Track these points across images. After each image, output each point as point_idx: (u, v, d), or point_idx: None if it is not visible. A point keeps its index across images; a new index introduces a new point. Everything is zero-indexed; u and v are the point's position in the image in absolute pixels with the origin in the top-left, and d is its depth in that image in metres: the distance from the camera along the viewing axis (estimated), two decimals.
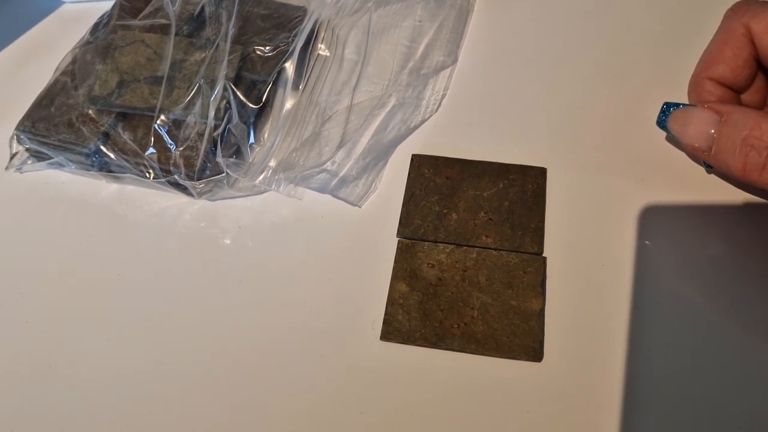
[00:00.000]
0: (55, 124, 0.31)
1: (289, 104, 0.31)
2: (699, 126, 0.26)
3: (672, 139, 0.31)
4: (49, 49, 0.38)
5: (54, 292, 0.30)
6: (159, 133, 0.30)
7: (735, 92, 0.29)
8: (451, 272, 0.28)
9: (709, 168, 0.30)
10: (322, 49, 0.32)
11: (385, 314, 0.27)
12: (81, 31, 0.36)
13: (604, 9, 0.37)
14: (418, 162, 0.31)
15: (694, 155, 0.30)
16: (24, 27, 0.40)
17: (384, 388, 0.26)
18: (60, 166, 0.32)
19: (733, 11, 0.28)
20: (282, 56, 0.31)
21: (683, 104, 0.28)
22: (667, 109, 0.28)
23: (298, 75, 0.31)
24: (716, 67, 0.28)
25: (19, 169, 0.33)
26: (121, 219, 0.31)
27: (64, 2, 0.41)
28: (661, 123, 0.29)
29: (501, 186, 0.30)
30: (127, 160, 0.30)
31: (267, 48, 0.31)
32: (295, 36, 0.31)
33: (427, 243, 0.29)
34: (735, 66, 0.28)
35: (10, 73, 0.38)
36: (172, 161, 0.30)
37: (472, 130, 0.33)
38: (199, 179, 0.30)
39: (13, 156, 0.33)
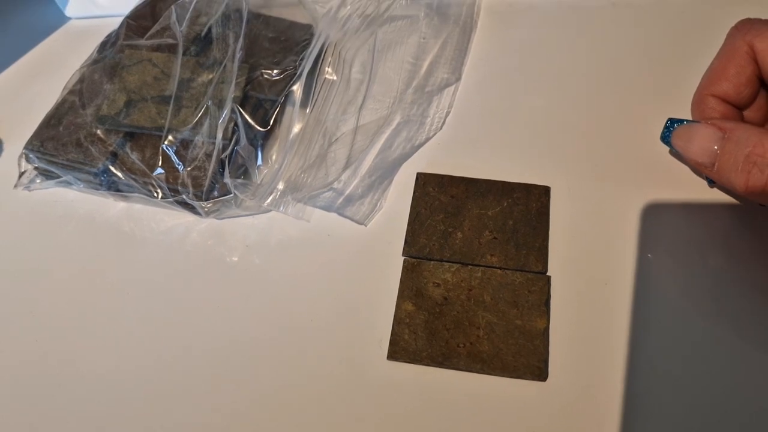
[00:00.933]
0: (64, 144, 0.31)
1: (296, 126, 0.31)
2: (702, 142, 0.27)
3: (676, 154, 0.31)
4: (56, 66, 0.38)
5: (62, 310, 0.30)
6: (167, 153, 0.30)
7: (738, 109, 0.29)
8: (456, 291, 0.28)
9: (712, 183, 0.30)
10: (329, 72, 0.33)
11: (392, 333, 0.28)
12: (88, 47, 0.36)
13: (606, 26, 0.37)
14: (423, 180, 0.32)
15: (698, 170, 0.30)
16: (30, 43, 0.40)
17: (391, 407, 0.26)
18: (68, 184, 0.32)
19: (736, 29, 0.28)
20: (289, 79, 0.32)
21: (687, 120, 0.28)
22: (671, 125, 0.29)
23: (306, 97, 0.32)
24: (719, 84, 0.28)
25: (27, 188, 0.33)
26: (129, 237, 0.32)
27: (71, 18, 0.41)
28: (665, 138, 0.29)
29: (505, 204, 0.31)
30: (135, 180, 0.31)
31: (275, 71, 0.32)
32: (302, 59, 0.32)
33: (432, 262, 0.29)
34: (738, 83, 0.28)
35: (17, 90, 0.38)
36: (179, 181, 0.30)
37: (476, 148, 0.33)
38: (206, 199, 0.30)
39: (21, 174, 0.33)
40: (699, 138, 0.27)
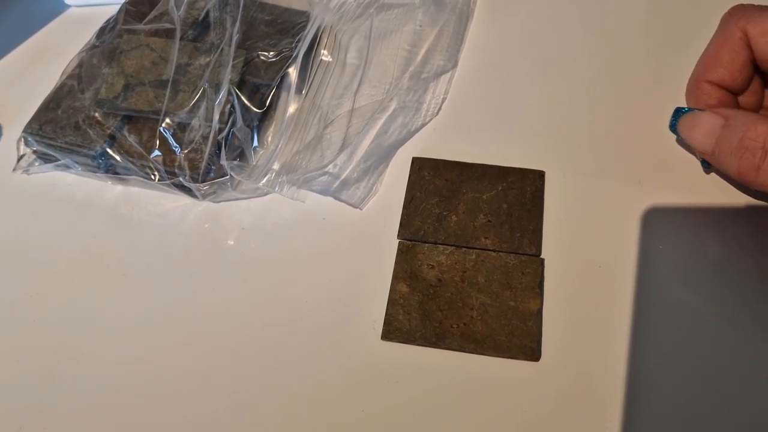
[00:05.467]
0: (62, 127, 0.32)
1: (292, 108, 0.31)
2: (705, 129, 0.27)
3: (684, 144, 0.31)
4: (55, 52, 0.38)
5: (60, 293, 0.30)
6: (164, 136, 0.31)
7: (732, 94, 0.29)
8: (450, 273, 0.29)
9: (707, 167, 0.30)
10: (324, 55, 0.33)
11: (386, 314, 0.28)
12: (87, 34, 0.36)
13: (602, 14, 0.37)
14: (419, 165, 0.32)
15: (703, 159, 0.30)
16: (30, 30, 0.40)
17: (385, 387, 0.27)
18: (66, 167, 0.33)
19: (730, 15, 0.29)
20: (285, 61, 0.32)
21: (694, 109, 0.29)
22: (678, 113, 0.29)
23: (302, 79, 0.32)
24: (714, 70, 0.29)
25: (26, 171, 0.33)
26: (126, 220, 0.32)
27: (70, 6, 0.41)
28: (672, 126, 0.29)
29: (500, 188, 0.31)
30: (132, 162, 0.31)
31: (271, 53, 0.32)
32: (298, 41, 0.32)
33: (427, 244, 0.29)
34: (733, 69, 0.28)
35: (17, 76, 0.38)
36: (177, 163, 0.30)
37: (471, 134, 0.33)
38: (203, 181, 0.30)
39: (20, 158, 0.33)
40: (702, 125, 0.27)
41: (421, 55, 0.35)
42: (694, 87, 0.30)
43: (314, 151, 0.31)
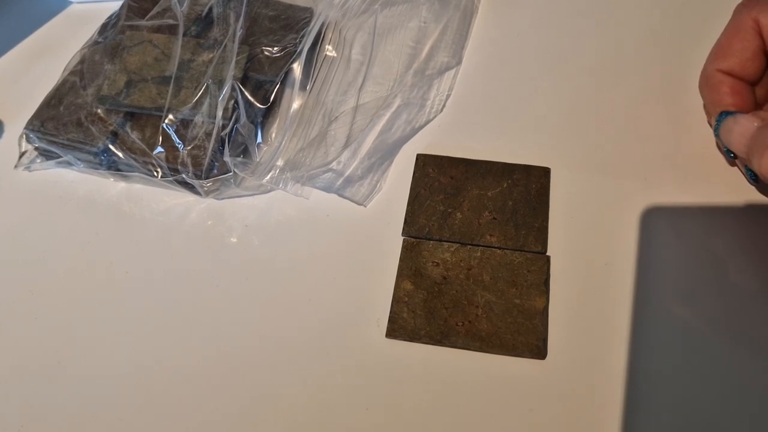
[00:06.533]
0: (64, 124, 0.32)
1: (296, 104, 0.31)
2: (741, 130, 0.26)
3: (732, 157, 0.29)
4: (57, 49, 0.38)
5: (62, 290, 0.30)
6: (167, 133, 0.30)
7: (747, 84, 0.29)
8: (455, 271, 0.28)
9: (754, 180, 0.29)
10: (329, 50, 0.33)
11: (391, 312, 0.28)
12: (89, 31, 0.36)
13: (607, 10, 0.37)
14: (423, 162, 0.32)
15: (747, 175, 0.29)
16: (32, 27, 0.40)
17: (389, 385, 0.26)
18: (68, 164, 0.32)
19: (743, 5, 0.28)
20: (289, 57, 0.32)
21: (736, 112, 0.27)
22: (721, 117, 0.28)
23: (306, 76, 0.32)
24: (726, 59, 0.28)
25: (27, 168, 0.33)
26: (128, 217, 0.32)
27: (72, 2, 0.41)
28: (716, 131, 0.28)
29: (505, 185, 0.31)
30: (135, 159, 0.31)
31: (275, 49, 0.32)
32: (302, 37, 0.32)
33: (431, 242, 0.29)
34: (744, 58, 0.28)
35: (18, 73, 0.38)
36: (179, 160, 0.30)
37: (476, 131, 0.33)
38: (206, 178, 0.30)
39: (22, 155, 0.33)
40: (738, 127, 0.26)
41: (425, 51, 0.35)
42: (706, 77, 0.29)
43: (318, 147, 0.31)
